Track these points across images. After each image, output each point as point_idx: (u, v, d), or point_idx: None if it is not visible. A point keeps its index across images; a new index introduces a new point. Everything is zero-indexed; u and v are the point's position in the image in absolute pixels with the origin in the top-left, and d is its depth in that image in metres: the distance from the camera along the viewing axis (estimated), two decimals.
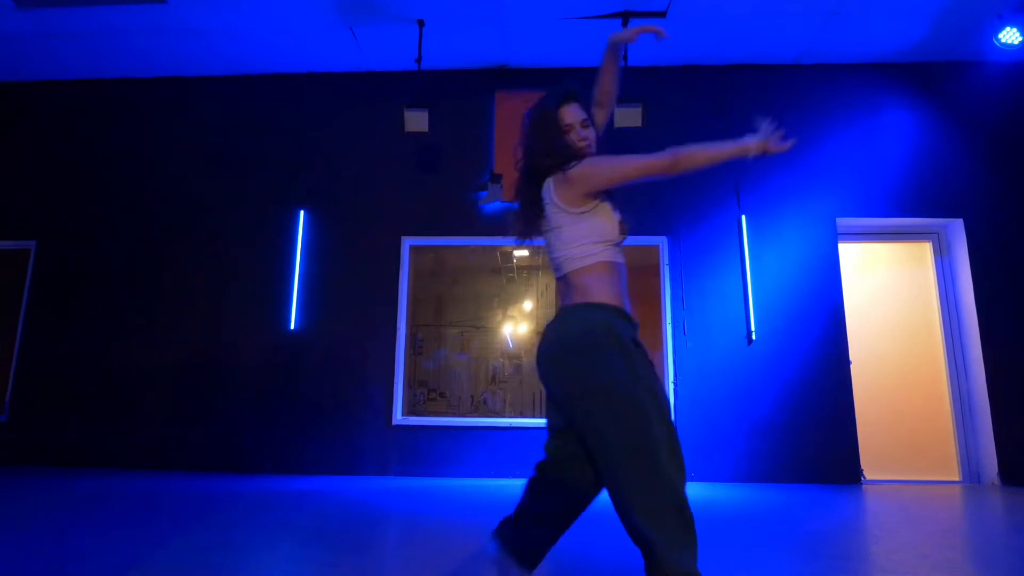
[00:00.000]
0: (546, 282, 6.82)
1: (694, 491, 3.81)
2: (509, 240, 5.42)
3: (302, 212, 5.27)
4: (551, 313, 6.66)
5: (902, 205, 5.02)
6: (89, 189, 5.48)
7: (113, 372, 5.11)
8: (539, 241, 1.67)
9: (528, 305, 6.71)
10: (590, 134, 1.66)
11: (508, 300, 6.57)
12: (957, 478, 4.83)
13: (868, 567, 2.25)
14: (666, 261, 5.02)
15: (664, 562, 1.34)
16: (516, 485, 4.39)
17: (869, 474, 4.78)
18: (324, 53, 5.24)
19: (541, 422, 5.05)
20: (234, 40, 5.06)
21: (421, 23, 4.77)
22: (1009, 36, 4.44)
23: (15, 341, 5.25)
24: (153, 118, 5.58)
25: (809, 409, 4.69)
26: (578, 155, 1.60)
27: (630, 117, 4.61)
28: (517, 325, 6.75)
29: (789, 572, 2.12)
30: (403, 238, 5.22)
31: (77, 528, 2.70)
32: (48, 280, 5.32)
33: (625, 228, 1.62)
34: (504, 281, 6.62)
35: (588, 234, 1.54)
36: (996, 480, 4.62)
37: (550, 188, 1.59)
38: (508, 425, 4.95)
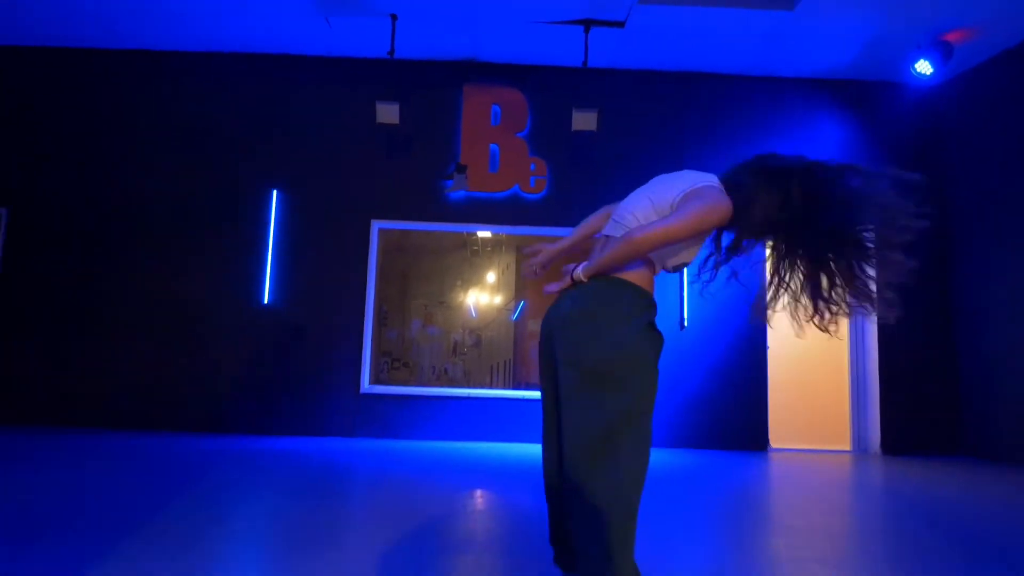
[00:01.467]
0: (507, 262, 7.27)
1: None
2: (472, 227, 5.78)
3: (275, 192, 5.52)
4: (512, 287, 7.17)
5: None
6: (62, 158, 5.55)
7: (91, 334, 5.34)
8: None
9: (491, 277, 7.16)
10: None
11: (472, 273, 6.99)
12: (848, 447, 5.66)
13: (761, 513, 2.90)
14: None
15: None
16: (470, 448, 4.94)
17: (776, 443, 5.55)
18: (298, 36, 5.39)
19: (497, 392, 5.60)
20: (208, 17, 5.14)
21: (394, 17, 4.99)
22: (923, 67, 5.00)
23: None
24: (128, 89, 5.64)
25: (729, 387, 5.38)
26: None
27: (586, 122, 5.01)
28: (479, 296, 7.22)
29: (698, 516, 2.73)
30: (372, 221, 5.55)
31: (90, 482, 3.09)
32: (22, 245, 5.44)
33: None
34: (468, 254, 7.03)
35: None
36: (878, 450, 5.46)
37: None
38: (466, 395, 5.48)
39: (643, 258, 1.54)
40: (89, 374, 5.30)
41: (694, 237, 1.55)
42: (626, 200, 1.62)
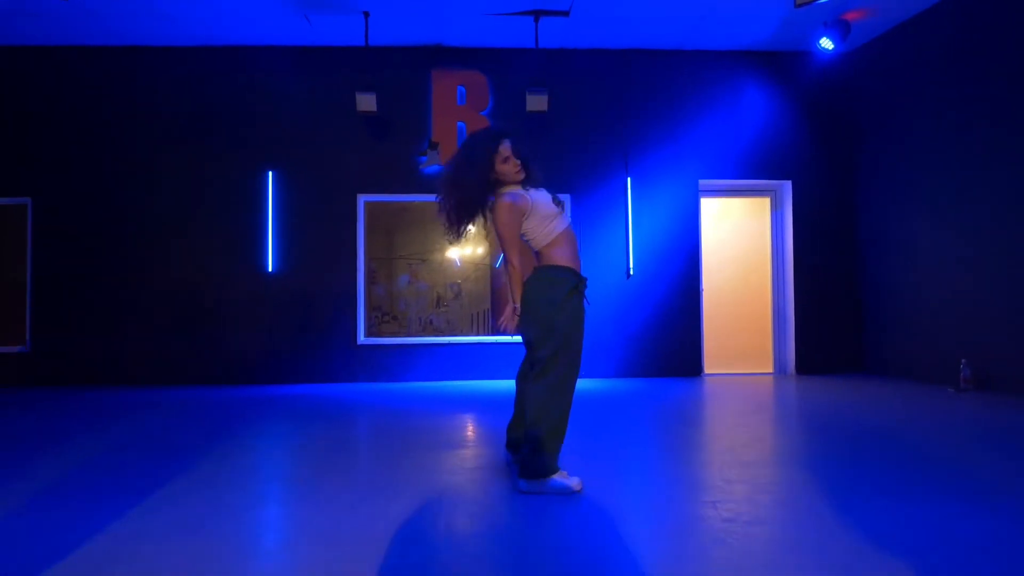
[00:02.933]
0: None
1: (585, 386, 5.46)
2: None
3: (271, 173, 6.26)
4: (489, 243, 8.04)
5: (749, 169, 6.53)
6: (78, 150, 6.21)
7: (118, 307, 6.18)
8: None
9: (471, 228, 7.97)
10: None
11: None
12: (771, 370, 6.76)
13: (688, 414, 3.93)
14: (567, 214, 6.42)
15: (534, 454, 2.27)
16: (452, 386, 5.94)
17: (710, 369, 6.63)
18: (280, 30, 6.00)
19: (476, 339, 6.56)
20: (203, 14, 5.71)
21: (366, 14, 5.62)
22: (825, 43, 5.78)
23: (27, 284, 6.18)
24: (133, 83, 6.26)
25: (669, 325, 6.39)
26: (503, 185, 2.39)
27: (538, 103, 5.76)
28: (463, 248, 8.08)
29: (639, 423, 3.75)
30: (358, 195, 6.35)
31: (169, 429, 4.03)
32: (49, 232, 6.18)
33: (560, 202, 2.44)
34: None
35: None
36: (794, 371, 6.56)
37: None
38: (448, 342, 6.45)
39: (553, 246, 2.42)
40: (121, 340, 6.16)
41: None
42: None
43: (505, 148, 2.39)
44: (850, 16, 5.66)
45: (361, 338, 6.36)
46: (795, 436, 3.53)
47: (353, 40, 6.12)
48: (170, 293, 6.21)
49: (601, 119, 6.37)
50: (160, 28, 5.90)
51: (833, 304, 6.52)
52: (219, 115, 6.28)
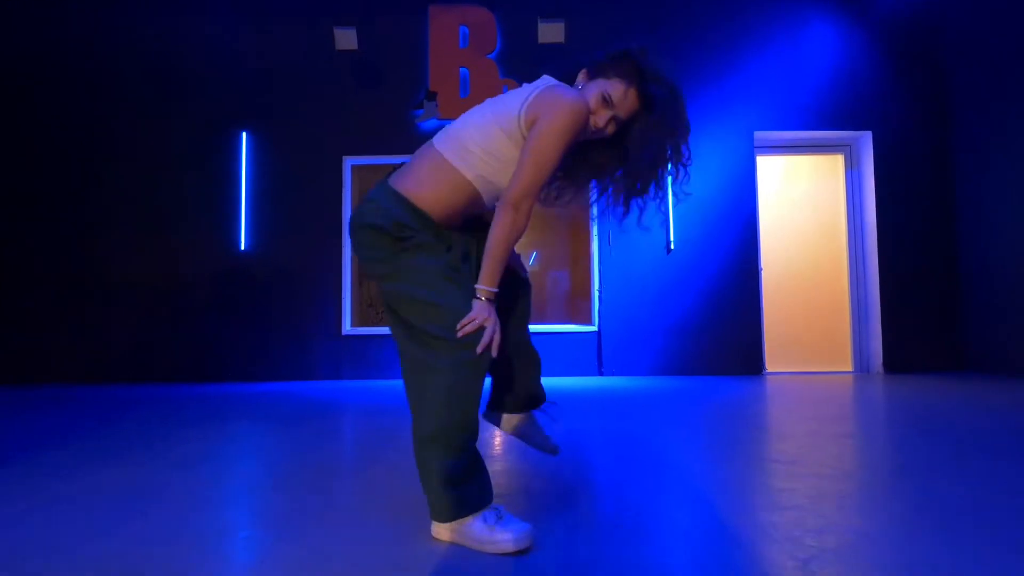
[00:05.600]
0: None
1: (615, 385, 4.29)
2: None
3: (244, 134, 5.37)
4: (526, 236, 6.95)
5: (817, 118, 5.30)
6: (29, 112, 5.47)
7: (75, 292, 5.35)
8: None
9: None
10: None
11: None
12: (850, 368, 5.45)
13: (738, 424, 2.76)
14: None
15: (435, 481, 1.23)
16: None
17: (773, 367, 5.36)
18: None
19: None
20: None
21: None
22: None
23: None
24: (91, 44, 5.50)
25: (720, 311, 5.18)
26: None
27: (552, 33, 4.71)
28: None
29: (668, 434, 2.60)
30: (344, 158, 5.39)
31: (117, 428, 3.08)
32: (7, 212, 5.43)
33: None
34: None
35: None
36: (880, 369, 5.24)
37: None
38: None
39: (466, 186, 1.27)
40: (80, 333, 5.33)
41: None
42: (465, 114, 1.34)
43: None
44: None
45: (347, 328, 5.36)
46: (883, 458, 2.30)
47: None
48: (132, 279, 5.35)
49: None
50: None
51: (928, 286, 5.19)
52: (185, 71, 5.45)
